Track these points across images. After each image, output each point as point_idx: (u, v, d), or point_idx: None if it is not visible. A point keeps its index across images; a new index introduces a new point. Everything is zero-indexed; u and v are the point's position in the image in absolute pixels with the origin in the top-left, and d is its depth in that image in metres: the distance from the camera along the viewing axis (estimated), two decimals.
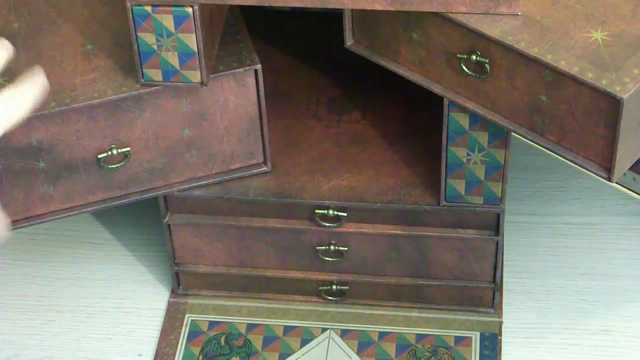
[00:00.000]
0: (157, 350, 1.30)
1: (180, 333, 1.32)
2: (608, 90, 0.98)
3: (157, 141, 1.19)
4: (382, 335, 1.30)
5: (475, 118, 1.13)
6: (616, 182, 1.38)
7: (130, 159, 1.19)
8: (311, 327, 1.32)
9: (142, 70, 1.13)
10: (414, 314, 1.32)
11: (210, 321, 1.33)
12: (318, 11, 1.40)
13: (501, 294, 1.32)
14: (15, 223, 1.20)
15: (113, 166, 1.18)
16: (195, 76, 1.13)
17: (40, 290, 1.38)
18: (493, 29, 1.04)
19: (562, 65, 1.00)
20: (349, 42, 1.16)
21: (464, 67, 1.08)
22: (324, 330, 1.31)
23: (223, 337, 1.31)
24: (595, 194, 1.45)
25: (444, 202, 1.21)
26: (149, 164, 1.20)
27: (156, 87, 1.15)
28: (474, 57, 1.06)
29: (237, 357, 1.29)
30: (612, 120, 1.00)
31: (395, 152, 1.27)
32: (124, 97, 1.14)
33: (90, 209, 1.22)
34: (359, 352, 1.29)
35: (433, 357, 1.28)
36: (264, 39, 1.39)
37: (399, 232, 1.25)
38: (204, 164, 1.23)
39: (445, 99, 1.12)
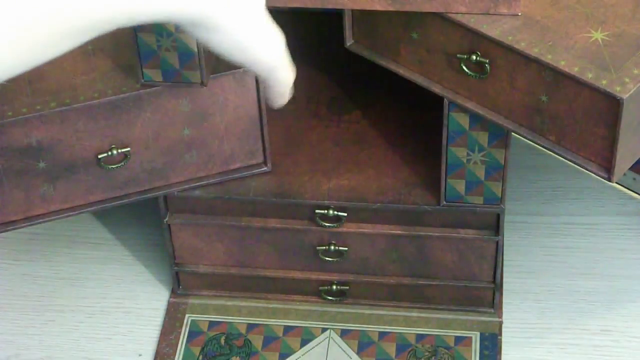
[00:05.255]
0: (157, 350, 1.30)
1: (180, 333, 1.32)
2: (608, 90, 0.98)
3: (157, 141, 1.19)
4: (382, 335, 1.30)
5: (475, 118, 1.13)
6: (616, 182, 1.38)
7: (130, 159, 1.19)
8: (311, 327, 1.32)
9: (142, 70, 1.13)
10: (414, 314, 1.32)
11: (210, 321, 1.33)
12: (318, 11, 1.40)
13: (501, 294, 1.32)
14: (15, 223, 1.20)
15: (113, 166, 1.18)
16: (195, 76, 1.13)
17: (40, 290, 1.38)
18: (493, 29, 1.04)
19: (562, 65, 1.00)
20: (349, 42, 1.16)
21: (464, 67, 1.08)
22: (324, 330, 1.31)
23: (223, 337, 1.31)
24: (595, 194, 1.45)
25: (444, 202, 1.21)
26: (149, 164, 1.20)
27: (156, 87, 1.15)
28: (474, 57, 1.06)
29: (237, 357, 1.29)
30: (612, 120, 1.00)
31: (395, 152, 1.27)
32: (124, 97, 1.14)
33: (90, 209, 1.22)
34: (359, 352, 1.29)
35: (433, 357, 1.28)
36: None
37: (399, 232, 1.25)
38: (204, 164, 1.23)
39: (445, 99, 1.12)
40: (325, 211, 1.23)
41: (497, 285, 1.29)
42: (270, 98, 0.93)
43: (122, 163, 1.18)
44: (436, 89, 1.12)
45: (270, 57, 0.87)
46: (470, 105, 1.11)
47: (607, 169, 1.04)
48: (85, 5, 0.71)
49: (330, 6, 1.08)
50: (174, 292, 1.36)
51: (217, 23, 0.81)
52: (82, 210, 1.22)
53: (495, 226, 1.24)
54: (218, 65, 1.16)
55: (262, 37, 0.86)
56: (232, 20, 0.82)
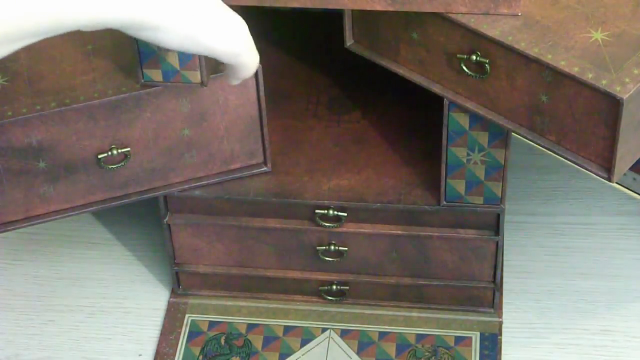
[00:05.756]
0: (157, 350, 1.30)
1: (180, 333, 1.32)
2: (608, 90, 0.98)
3: (157, 141, 1.19)
4: (382, 335, 1.30)
5: (475, 118, 1.13)
6: (616, 182, 1.37)
7: (130, 159, 1.19)
8: (311, 327, 1.32)
9: (142, 70, 1.13)
10: (414, 314, 1.32)
11: (210, 321, 1.33)
12: (318, 11, 1.40)
13: (501, 294, 1.32)
14: (15, 223, 1.20)
15: (113, 166, 1.18)
16: (195, 76, 1.13)
17: (40, 290, 1.38)
18: (493, 29, 1.04)
19: (562, 65, 1.00)
20: (349, 42, 1.16)
21: (464, 67, 1.08)
22: (324, 330, 1.31)
23: (223, 337, 1.31)
24: (595, 194, 1.45)
25: (444, 202, 1.21)
26: (149, 164, 1.20)
27: (156, 87, 1.15)
28: (474, 57, 1.06)
29: (237, 357, 1.29)
30: (612, 120, 1.00)
31: (395, 152, 1.27)
32: (124, 97, 1.14)
33: (90, 209, 1.22)
34: (359, 352, 1.29)
35: (433, 357, 1.28)
36: (264, 39, 1.39)
37: (399, 232, 1.25)
38: (204, 164, 1.23)
39: (445, 99, 1.12)
40: (325, 211, 1.23)
41: (497, 285, 1.29)
42: (230, 78, 0.91)
43: (122, 163, 1.18)
44: (436, 89, 1.12)
45: (230, 44, 0.85)
46: (470, 105, 1.11)
47: (607, 169, 1.04)
48: (17, 14, 0.70)
49: (330, 6, 1.08)
50: (174, 292, 1.36)
51: (157, 22, 0.80)
52: (82, 210, 1.22)
53: (495, 226, 1.24)
54: (218, 65, 1.16)
55: (216, 26, 0.84)
56: (173, 16, 0.81)
